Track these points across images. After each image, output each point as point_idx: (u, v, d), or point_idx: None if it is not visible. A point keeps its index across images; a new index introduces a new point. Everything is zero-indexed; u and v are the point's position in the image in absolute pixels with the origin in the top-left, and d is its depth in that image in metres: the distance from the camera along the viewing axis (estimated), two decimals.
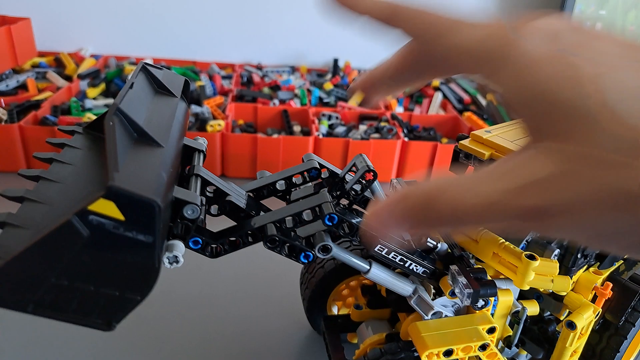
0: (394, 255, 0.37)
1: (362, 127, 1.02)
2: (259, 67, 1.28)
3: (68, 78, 1.08)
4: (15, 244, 0.28)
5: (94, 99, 1.01)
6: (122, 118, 0.27)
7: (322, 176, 0.42)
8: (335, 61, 1.29)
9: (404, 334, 0.43)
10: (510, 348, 0.42)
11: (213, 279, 0.64)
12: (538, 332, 0.47)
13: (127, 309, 0.26)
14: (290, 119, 1.02)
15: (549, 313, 0.47)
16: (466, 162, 0.43)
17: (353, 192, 0.38)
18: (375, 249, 0.36)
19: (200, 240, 0.34)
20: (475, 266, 0.40)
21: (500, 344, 0.44)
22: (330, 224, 0.34)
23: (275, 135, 0.96)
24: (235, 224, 0.38)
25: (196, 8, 1.25)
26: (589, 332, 0.43)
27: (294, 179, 0.41)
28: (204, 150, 0.40)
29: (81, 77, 1.05)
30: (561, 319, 0.45)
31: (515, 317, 0.42)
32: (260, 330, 0.58)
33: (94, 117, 0.87)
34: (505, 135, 0.43)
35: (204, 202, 0.33)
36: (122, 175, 0.23)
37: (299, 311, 0.59)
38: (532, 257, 0.38)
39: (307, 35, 1.32)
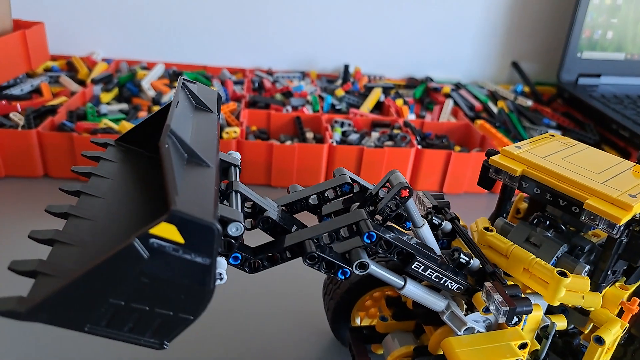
0: (430, 272, 0.37)
1: (375, 134, 1.03)
2: (270, 73, 1.28)
3: (81, 82, 1.08)
4: (67, 261, 0.28)
5: (108, 103, 1.01)
6: (174, 139, 0.28)
7: (354, 191, 0.42)
8: (346, 67, 1.29)
9: (433, 347, 0.43)
10: None
11: (230, 290, 0.64)
12: (562, 345, 0.47)
13: (179, 329, 0.27)
14: (303, 125, 1.03)
15: (572, 326, 0.47)
16: (496, 177, 0.44)
17: (388, 209, 0.38)
18: (413, 266, 0.36)
19: (240, 256, 0.34)
20: (506, 282, 0.40)
21: (527, 357, 0.44)
22: (369, 241, 0.35)
23: (288, 142, 0.96)
24: (272, 238, 0.38)
25: (205, 13, 1.25)
26: (614, 347, 0.44)
27: (326, 194, 0.42)
28: (239, 164, 0.40)
29: (95, 81, 1.05)
30: (585, 332, 0.46)
31: (544, 332, 0.42)
32: (278, 338, 0.58)
33: (111, 123, 0.88)
34: (535, 151, 0.44)
35: None
36: (182, 199, 0.24)
37: (319, 321, 0.59)
38: (563, 274, 0.38)
39: (316, 40, 1.32)
